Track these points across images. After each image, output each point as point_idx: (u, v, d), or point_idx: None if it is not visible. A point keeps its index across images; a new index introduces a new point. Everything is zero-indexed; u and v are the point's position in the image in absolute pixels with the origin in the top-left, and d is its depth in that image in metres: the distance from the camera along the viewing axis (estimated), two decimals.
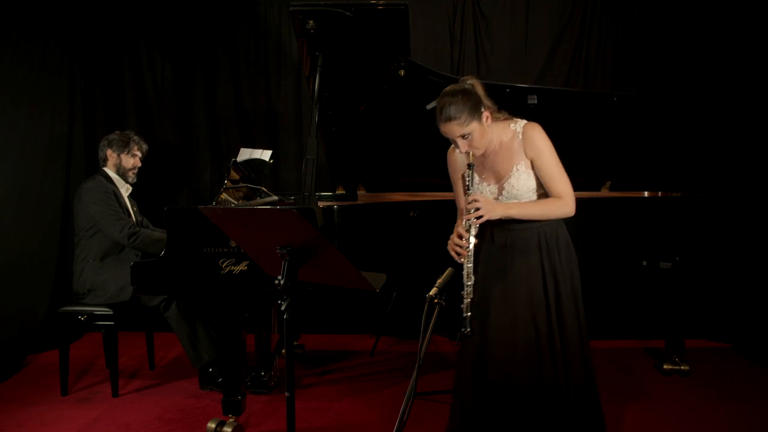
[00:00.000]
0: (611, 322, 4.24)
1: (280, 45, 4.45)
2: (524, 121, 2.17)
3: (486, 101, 2.12)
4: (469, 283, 2.01)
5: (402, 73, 3.18)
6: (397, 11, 2.85)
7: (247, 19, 4.45)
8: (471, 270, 2.02)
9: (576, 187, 3.93)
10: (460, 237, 2.05)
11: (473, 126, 2.05)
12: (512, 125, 2.17)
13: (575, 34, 4.32)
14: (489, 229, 2.23)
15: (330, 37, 2.94)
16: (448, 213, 3.17)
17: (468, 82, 2.13)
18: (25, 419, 2.98)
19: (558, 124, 3.46)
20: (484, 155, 2.18)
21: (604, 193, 3.69)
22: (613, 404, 3.05)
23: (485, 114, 2.09)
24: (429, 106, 2.88)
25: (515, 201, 2.16)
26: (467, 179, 2.07)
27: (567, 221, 3.15)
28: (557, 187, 2.12)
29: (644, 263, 3.28)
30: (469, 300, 2.00)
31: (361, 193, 3.87)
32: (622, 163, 3.61)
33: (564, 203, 2.12)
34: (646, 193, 3.73)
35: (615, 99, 3.35)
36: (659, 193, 3.71)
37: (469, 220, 2.02)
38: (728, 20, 4.05)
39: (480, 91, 2.12)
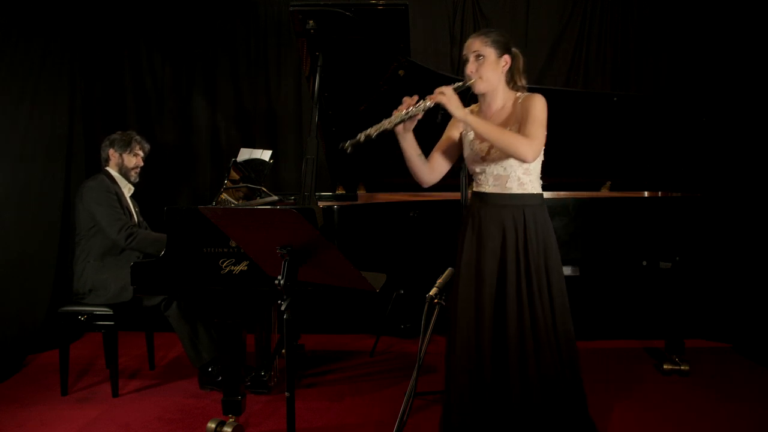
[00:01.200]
0: (611, 322, 4.25)
1: (280, 45, 4.45)
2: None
3: (519, 71, 2.24)
4: (389, 125, 2.08)
5: (402, 73, 3.18)
6: (397, 11, 2.85)
7: (247, 19, 4.45)
8: (392, 123, 2.08)
9: (576, 187, 3.95)
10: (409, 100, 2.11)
11: (490, 52, 2.15)
12: (519, 94, 2.23)
13: (575, 34, 4.32)
14: (476, 206, 2.26)
15: (330, 37, 2.94)
16: (449, 213, 3.18)
17: (515, 49, 2.24)
18: (25, 419, 2.98)
19: (558, 124, 3.47)
20: (486, 115, 2.24)
21: (604, 193, 3.69)
22: (613, 404, 3.05)
23: (506, 58, 2.19)
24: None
25: (501, 171, 2.19)
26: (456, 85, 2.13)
27: (566, 222, 3.17)
28: (529, 130, 2.08)
29: (644, 263, 3.28)
30: (378, 130, 2.06)
31: (361, 193, 3.87)
32: (622, 163, 3.61)
33: (526, 142, 2.06)
34: (646, 193, 3.73)
35: (615, 99, 3.35)
36: (659, 193, 3.72)
37: (429, 98, 2.08)
38: (728, 20, 4.05)
39: (519, 60, 2.24)
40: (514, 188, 2.20)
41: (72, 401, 3.19)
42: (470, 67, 2.17)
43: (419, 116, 2.10)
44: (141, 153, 3.47)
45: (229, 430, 2.66)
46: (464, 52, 2.20)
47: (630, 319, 4.22)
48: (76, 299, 3.26)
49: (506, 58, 2.19)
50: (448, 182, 3.61)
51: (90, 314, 3.18)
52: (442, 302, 2.13)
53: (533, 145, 2.07)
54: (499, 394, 2.16)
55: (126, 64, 4.48)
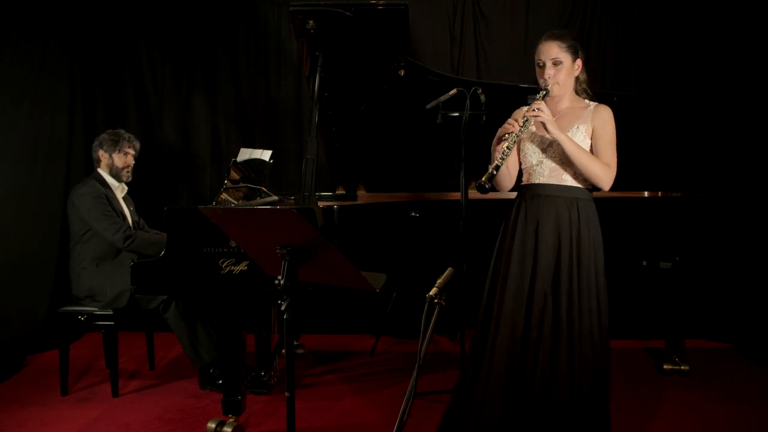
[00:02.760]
0: (611, 322, 4.22)
1: (280, 45, 4.45)
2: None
3: (583, 75, 2.33)
4: (508, 149, 2.14)
5: (402, 73, 3.18)
6: (397, 11, 2.85)
7: (247, 19, 4.45)
8: (511, 143, 2.14)
9: None
10: (515, 122, 2.17)
11: (566, 57, 2.22)
12: (588, 101, 2.31)
13: (575, 34, 4.31)
14: (527, 199, 2.27)
15: (330, 37, 2.94)
16: (449, 213, 3.18)
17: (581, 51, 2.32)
18: (25, 419, 2.98)
19: None
20: (553, 114, 2.25)
21: (604, 193, 3.68)
22: (613, 404, 3.03)
23: (578, 62, 2.26)
24: (429, 106, 2.89)
25: (559, 163, 2.23)
26: (534, 97, 2.19)
27: None
28: (607, 155, 2.21)
29: (644, 263, 3.28)
30: (503, 156, 2.11)
31: (361, 193, 3.87)
32: (622, 163, 3.59)
33: (608, 172, 2.19)
34: (646, 193, 3.72)
35: (615, 99, 3.34)
36: (659, 193, 3.71)
37: (528, 114, 2.14)
38: (728, 20, 4.05)
39: (583, 74, 2.33)
40: (569, 181, 2.25)
41: (72, 401, 3.19)
42: (548, 72, 2.22)
43: (524, 136, 2.24)
44: (131, 151, 3.38)
45: (229, 430, 2.66)
46: (540, 57, 2.24)
47: (630, 319, 4.22)
48: (75, 301, 3.26)
49: (578, 62, 2.27)
50: (448, 182, 3.63)
51: (90, 314, 3.18)
52: (442, 302, 2.13)
53: (611, 173, 2.21)
54: (532, 393, 2.14)
55: (126, 64, 4.48)
